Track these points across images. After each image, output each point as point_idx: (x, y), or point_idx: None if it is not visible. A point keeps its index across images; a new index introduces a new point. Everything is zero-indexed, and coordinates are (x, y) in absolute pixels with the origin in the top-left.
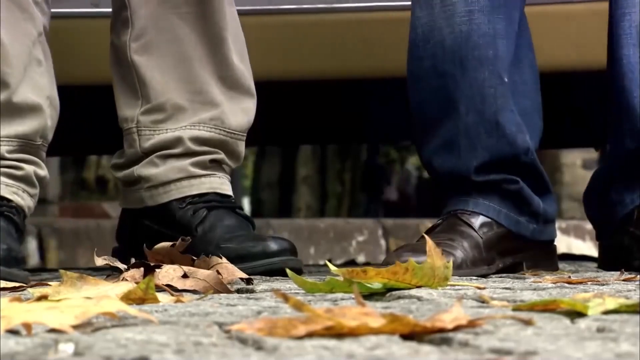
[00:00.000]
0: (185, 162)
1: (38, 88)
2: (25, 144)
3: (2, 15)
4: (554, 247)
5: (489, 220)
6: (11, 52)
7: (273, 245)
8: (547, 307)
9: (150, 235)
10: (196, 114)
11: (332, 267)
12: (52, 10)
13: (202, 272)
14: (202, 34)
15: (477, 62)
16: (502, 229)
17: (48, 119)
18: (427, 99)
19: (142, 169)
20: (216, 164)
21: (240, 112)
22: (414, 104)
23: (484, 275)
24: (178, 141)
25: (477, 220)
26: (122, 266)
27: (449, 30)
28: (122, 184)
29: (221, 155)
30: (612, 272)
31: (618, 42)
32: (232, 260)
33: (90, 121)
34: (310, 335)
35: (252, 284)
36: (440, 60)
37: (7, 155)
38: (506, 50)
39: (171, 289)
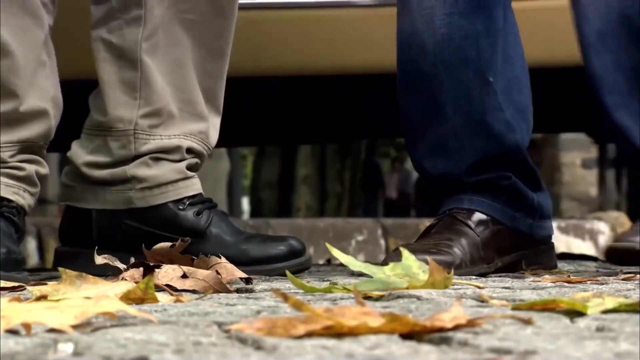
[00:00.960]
0: (182, 165)
1: (44, 92)
2: (29, 146)
3: (14, 23)
4: (552, 244)
5: (486, 218)
6: (22, 62)
7: (296, 245)
8: (547, 307)
9: (138, 236)
10: (184, 124)
11: (338, 255)
12: None
13: (202, 272)
14: (200, 43)
15: (460, 64)
16: (499, 225)
17: (52, 120)
18: (414, 103)
19: (136, 170)
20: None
21: (214, 129)
22: (402, 108)
23: (484, 274)
24: (177, 149)
25: (474, 219)
26: (121, 266)
27: (429, 33)
28: (98, 183)
29: (198, 161)
30: (612, 272)
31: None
32: (256, 262)
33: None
34: (309, 334)
35: (252, 283)
36: (423, 64)
37: (9, 160)
38: (489, 49)
39: (170, 288)
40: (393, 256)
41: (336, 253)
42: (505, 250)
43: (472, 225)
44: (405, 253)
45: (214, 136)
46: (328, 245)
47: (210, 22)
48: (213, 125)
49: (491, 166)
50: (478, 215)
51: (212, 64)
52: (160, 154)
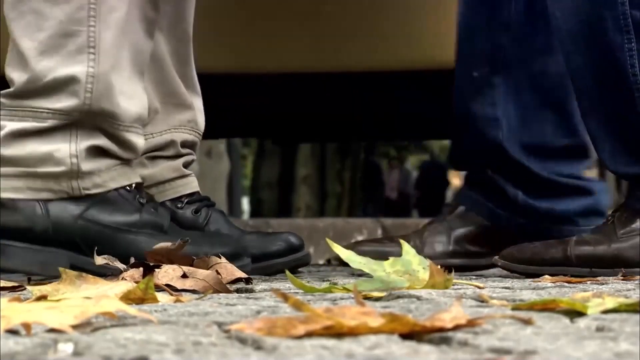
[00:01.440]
0: (179, 162)
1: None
2: None
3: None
4: None
5: (469, 211)
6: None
7: (294, 240)
8: (547, 307)
9: None
10: (171, 116)
11: (338, 250)
12: None
13: (202, 272)
14: (169, 32)
15: (455, 56)
16: (478, 218)
17: None
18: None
19: None
20: (190, 164)
21: (200, 113)
22: None
23: (482, 267)
24: (170, 144)
25: (459, 211)
26: (121, 266)
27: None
28: None
29: (194, 157)
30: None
31: None
32: (257, 258)
33: None
34: (309, 334)
35: (252, 283)
36: None
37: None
38: (485, 43)
39: (170, 288)
40: (354, 244)
41: (336, 249)
42: (499, 248)
43: (458, 218)
44: (405, 247)
45: (201, 120)
46: (328, 241)
47: (176, 6)
48: (198, 109)
49: (470, 159)
50: (462, 208)
51: (182, 49)
52: (155, 152)
